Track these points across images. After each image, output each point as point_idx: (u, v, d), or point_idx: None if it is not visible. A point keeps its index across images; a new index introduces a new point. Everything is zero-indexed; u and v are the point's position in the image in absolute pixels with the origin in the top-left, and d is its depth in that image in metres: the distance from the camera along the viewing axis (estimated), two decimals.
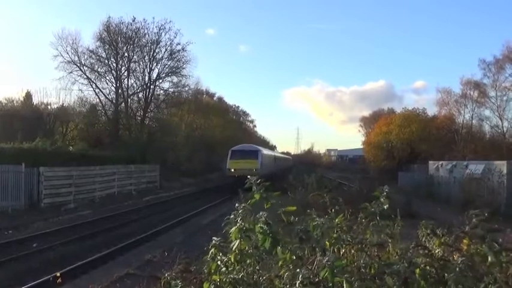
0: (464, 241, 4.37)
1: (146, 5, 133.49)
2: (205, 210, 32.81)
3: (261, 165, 51.61)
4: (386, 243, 4.58)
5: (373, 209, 4.70)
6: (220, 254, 4.19)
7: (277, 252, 4.03)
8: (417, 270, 3.88)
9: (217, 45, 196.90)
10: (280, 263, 4.15)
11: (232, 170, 50.74)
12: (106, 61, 55.80)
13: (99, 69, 55.70)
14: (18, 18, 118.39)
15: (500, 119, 57.97)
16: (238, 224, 4.05)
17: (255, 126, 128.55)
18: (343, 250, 4.56)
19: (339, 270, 3.60)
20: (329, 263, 3.58)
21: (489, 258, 3.92)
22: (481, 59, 59.39)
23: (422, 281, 3.86)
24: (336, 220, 4.71)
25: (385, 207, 4.68)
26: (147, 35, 56.31)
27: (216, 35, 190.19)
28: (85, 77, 54.54)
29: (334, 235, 4.49)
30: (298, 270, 3.78)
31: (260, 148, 58.45)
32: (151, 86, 57.79)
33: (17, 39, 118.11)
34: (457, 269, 3.85)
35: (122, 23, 54.92)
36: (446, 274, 3.92)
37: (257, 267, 4.17)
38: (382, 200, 4.74)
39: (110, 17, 55.16)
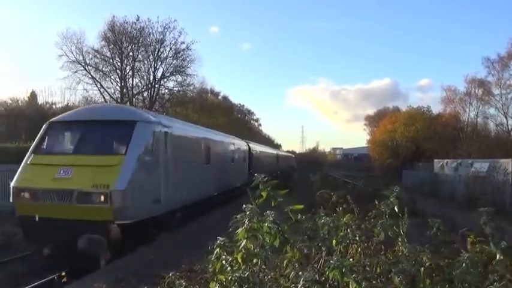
0: (469, 239, 4.37)
1: (149, 2, 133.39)
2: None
3: (130, 180, 14.75)
4: (393, 241, 4.58)
5: (382, 208, 4.68)
6: (225, 254, 4.19)
7: (286, 251, 4.03)
8: (422, 269, 3.87)
9: (221, 43, 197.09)
10: (285, 262, 4.15)
11: (26, 195, 15.17)
12: (111, 60, 55.85)
13: (103, 69, 55.78)
14: (21, 19, 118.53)
15: (505, 116, 58.09)
16: (245, 225, 4.04)
17: (260, 125, 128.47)
18: (351, 250, 4.56)
19: (346, 269, 3.59)
20: (338, 263, 3.57)
21: (497, 256, 3.92)
22: (484, 57, 59.49)
23: (428, 279, 3.86)
24: (344, 219, 4.71)
25: (395, 208, 4.67)
26: (151, 34, 56.27)
27: (219, 33, 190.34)
28: (90, 76, 54.65)
29: (341, 233, 4.49)
30: (303, 269, 3.78)
31: (149, 115, 19.12)
32: (156, 85, 57.79)
33: (20, 39, 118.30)
34: (463, 266, 3.85)
35: (127, 23, 54.92)
36: (452, 272, 3.92)
37: (263, 267, 4.17)
38: (392, 199, 4.73)
39: (114, 17, 55.24)
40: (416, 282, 3.74)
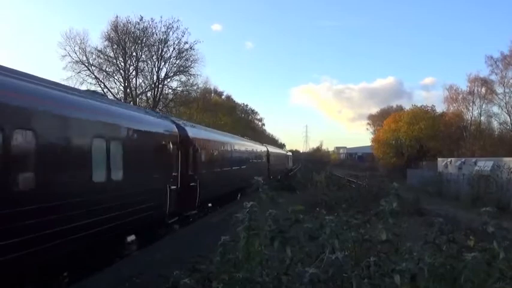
0: (471, 238, 4.38)
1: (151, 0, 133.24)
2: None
3: None
4: (394, 240, 4.58)
5: (382, 207, 4.69)
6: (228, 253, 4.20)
7: (285, 251, 4.03)
8: (426, 268, 3.88)
9: (224, 42, 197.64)
10: (288, 260, 4.16)
11: None
12: (114, 61, 55.79)
13: (107, 69, 55.70)
14: (23, 19, 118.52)
15: (509, 115, 57.89)
16: (245, 223, 4.05)
17: (263, 124, 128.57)
18: (354, 249, 4.57)
19: (348, 268, 3.61)
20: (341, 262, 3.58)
21: (500, 255, 3.93)
22: (488, 55, 59.45)
23: (431, 278, 3.86)
24: (345, 218, 4.72)
25: (394, 205, 4.68)
26: (155, 34, 56.19)
27: (222, 31, 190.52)
28: (93, 76, 54.54)
29: (343, 233, 4.50)
30: (306, 268, 3.78)
31: None
32: (160, 85, 57.71)
33: (22, 39, 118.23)
34: (469, 265, 3.85)
35: (130, 23, 54.87)
36: (456, 271, 3.93)
37: (265, 266, 4.18)
38: (391, 197, 4.73)
39: (117, 17, 55.22)
40: (417, 280, 3.75)
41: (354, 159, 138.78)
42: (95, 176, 12.03)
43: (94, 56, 54.71)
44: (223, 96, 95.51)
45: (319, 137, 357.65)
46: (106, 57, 55.38)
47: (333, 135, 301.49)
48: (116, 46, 55.36)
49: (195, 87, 61.52)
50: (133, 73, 56.79)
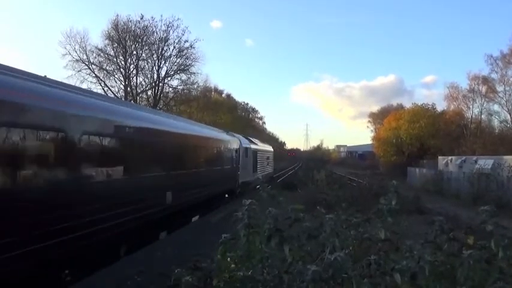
0: (469, 236, 4.38)
1: None
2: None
3: None
4: (394, 239, 4.59)
5: (380, 206, 4.70)
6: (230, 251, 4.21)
7: (284, 249, 4.04)
8: (426, 267, 3.88)
9: (224, 40, 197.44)
10: (289, 259, 4.17)
11: None
12: (114, 59, 55.79)
13: (107, 68, 55.72)
14: (23, 17, 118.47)
15: (509, 113, 57.90)
16: (245, 221, 4.06)
17: (264, 123, 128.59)
18: (354, 247, 4.57)
19: (348, 267, 3.61)
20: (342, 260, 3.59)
21: (499, 254, 3.93)
22: (487, 54, 59.49)
23: (431, 277, 3.87)
24: (344, 217, 4.72)
25: (393, 202, 4.69)
26: (155, 33, 56.26)
27: (222, 28, 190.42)
28: (94, 75, 54.56)
29: (343, 232, 4.50)
30: (308, 266, 3.79)
31: None
32: (160, 84, 57.74)
33: (22, 38, 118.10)
34: (467, 263, 3.86)
35: (130, 21, 54.89)
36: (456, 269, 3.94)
37: (266, 264, 4.18)
38: (390, 195, 4.74)
39: (118, 15, 55.23)
40: (417, 279, 3.75)
41: (355, 157, 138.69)
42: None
43: (94, 55, 54.79)
44: (223, 95, 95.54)
45: (319, 136, 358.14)
46: (106, 55, 55.44)
47: (334, 133, 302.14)
48: (116, 45, 55.39)
49: (195, 86, 61.59)
50: (134, 72, 56.87)
